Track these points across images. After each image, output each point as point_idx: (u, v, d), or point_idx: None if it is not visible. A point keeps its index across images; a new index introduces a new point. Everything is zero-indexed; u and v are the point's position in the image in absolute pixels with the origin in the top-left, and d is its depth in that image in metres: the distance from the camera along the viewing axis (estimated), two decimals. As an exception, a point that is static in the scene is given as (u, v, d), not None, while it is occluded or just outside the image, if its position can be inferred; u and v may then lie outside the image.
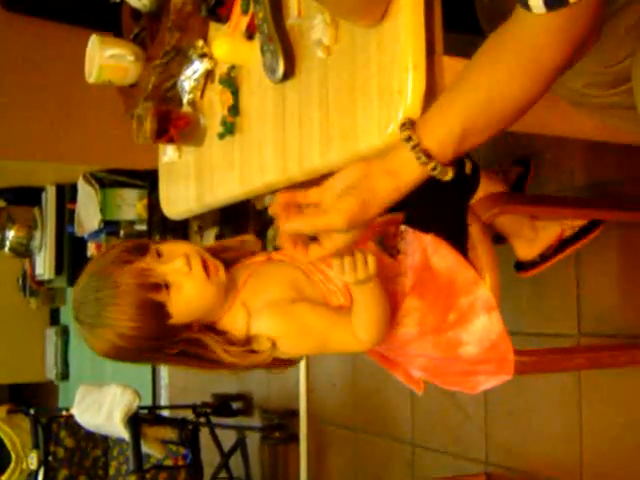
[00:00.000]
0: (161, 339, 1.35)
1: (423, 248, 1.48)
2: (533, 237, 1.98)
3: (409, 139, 1.06)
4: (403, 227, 1.52)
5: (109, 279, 1.31)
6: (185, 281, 1.33)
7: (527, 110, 1.07)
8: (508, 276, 1.51)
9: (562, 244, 1.97)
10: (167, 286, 1.32)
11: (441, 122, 1.07)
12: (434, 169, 1.07)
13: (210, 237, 3.61)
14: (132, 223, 3.85)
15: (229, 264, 1.46)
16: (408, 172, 1.09)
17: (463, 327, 1.44)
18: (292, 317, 1.39)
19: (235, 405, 4.06)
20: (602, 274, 2.12)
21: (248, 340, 1.38)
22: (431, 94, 1.22)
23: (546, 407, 2.30)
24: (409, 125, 1.08)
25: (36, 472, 3.47)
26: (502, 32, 1.04)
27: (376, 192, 1.10)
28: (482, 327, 1.43)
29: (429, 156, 1.06)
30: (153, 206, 3.66)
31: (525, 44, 1.01)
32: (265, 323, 1.38)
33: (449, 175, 1.09)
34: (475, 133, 1.07)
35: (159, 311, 1.32)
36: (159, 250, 1.35)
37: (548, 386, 2.28)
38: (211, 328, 1.40)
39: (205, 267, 1.35)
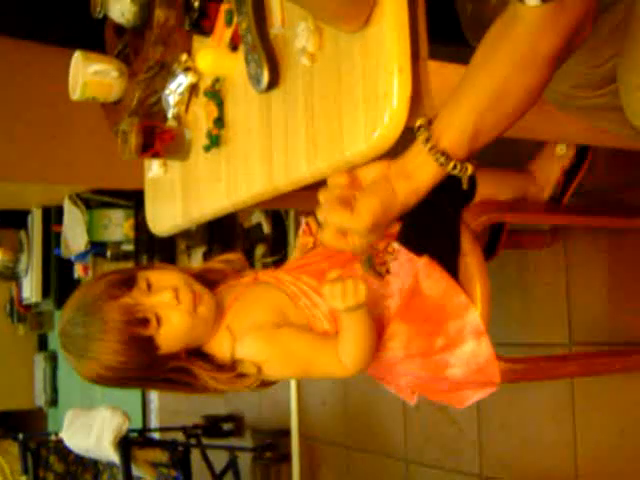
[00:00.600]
0: (148, 369, 1.35)
1: (415, 272, 1.45)
2: (540, 186, 1.97)
3: (427, 140, 1.07)
4: (396, 245, 1.50)
5: (96, 315, 1.30)
6: (174, 314, 1.33)
7: (533, 102, 1.07)
8: (497, 285, 1.49)
9: (569, 173, 1.97)
10: (155, 320, 1.32)
11: (452, 123, 1.07)
12: (454, 168, 1.08)
13: (198, 256, 3.60)
14: (119, 243, 3.83)
15: (214, 285, 1.46)
16: (426, 174, 1.09)
17: (451, 351, 1.42)
18: (276, 342, 1.38)
19: (226, 426, 4.04)
20: (592, 281, 2.11)
21: (233, 364, 1.38)
22: (417, 98, 1.22)
23: (539, 418, 2.28)
24: (426, 126, 1.08)
25: (26, 498, 3.44)
26: (497, 30, 1.05)
27: (396, 195, 1.10)
28: (470, 352, 1.41)
29: (447, 156, 1.07)
30: (140, 226, 3.64)
31: (521, 38, 1.01)
32: (249, 347, 1.37)
33: (470, 171, 1.09)
34: (486, 130, 1.07)
35: (147, 345, 1.31)
36: (148, 280, 1.34)
37: (541, 396, 2.26)
38: (197, 353, 1.39)
39: (193, 298, 1.34)
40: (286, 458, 3.61)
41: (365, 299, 1.26)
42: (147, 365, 1.34)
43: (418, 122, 1.10)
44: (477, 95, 1.06)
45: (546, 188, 1.98)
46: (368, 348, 1.36)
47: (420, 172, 1.09)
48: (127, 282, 1.33)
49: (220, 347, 1.39)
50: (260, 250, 3.41)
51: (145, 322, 1.31)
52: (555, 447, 2.22)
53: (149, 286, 1.34)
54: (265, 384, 1.44)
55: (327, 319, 1.41)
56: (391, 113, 1.18)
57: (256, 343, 1.37)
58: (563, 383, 2.16)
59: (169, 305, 1.32)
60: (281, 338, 1.38)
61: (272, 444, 3.68)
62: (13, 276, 4.67)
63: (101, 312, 1.30)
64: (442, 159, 1.07)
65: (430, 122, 1.09)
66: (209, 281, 1.44)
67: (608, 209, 2.01)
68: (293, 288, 1.44)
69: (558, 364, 1.69)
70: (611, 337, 2.07)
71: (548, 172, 1.97)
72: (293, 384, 3.50)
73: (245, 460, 3.76)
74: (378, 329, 1.41)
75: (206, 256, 3.54)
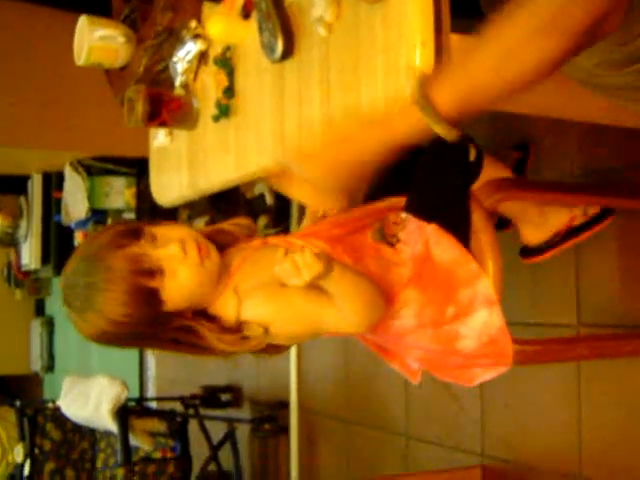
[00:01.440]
0: (153, 326, 1.31)
1: (425, 239, 1.44)
2: (541, 222, 1.94)
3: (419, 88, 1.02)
4: (404, 215, 1.47)
5: (101, 263, 1.26)
6: (180, 267, 1.29)
7: (539, 77, 1.02)
8: (506, 265, 1.47)
9: (570, 232, 1.93)
10: (161, 272, 1.28)
11: (449, 74, 1.03)
12: (429, 114, 1.02)
13: (200, 226, 3.57)
14: (120, 211, 3.81)
15: (223, 248, 1.41)
16: (404, 122, 1.04)
17: (462, 321, 1.41)
18: (280, 298, 1.35)
19: (224, 397, 4.03)
20: (602, 263, 2.09)
21: (239, 326, 1.34)
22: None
23: (544, 398, 2.26)
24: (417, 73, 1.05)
25: (22, 465, 3.43)
26: None
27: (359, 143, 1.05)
28: (482, 322, 1.40)
29: (429, 102, 1.01)
30: (142, 194, 3.62)
31: (545, 3, 0.96)
32: (254, 307, 1.34)
33: (453, 135, 1.04)
34: (481, 91, 1.02)
35: (152, 298, 1.27)
36: (153, 233, 1.30)
37: (546, 377, 2.24)
38: (203, 314, 1.36)
39: (199, 251, 1.30)
40: (284, 431, 3.60)
41: (324, 262, 1.20)
42: (151, 320, 1.30)
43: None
44: (483, 51, 1.00)
45: None
46: (368, 300, 1.32)
47: (399, 119, 1.04)
48: (134, 233, 1.30)
49: (226, 309, 1.35)
50: (263, 221, 3.38)
51: (151, 273, 1.27)
52: (559, 429, 2.21)
53: (155, 239, 1.30)
54: (273, 350, 1.41)
55: None
56: (413, 87, 1.14)
57: (261, 301, 1.34)
58: (569, 364, 2.14)
59: (176, 257, 1.28)
60: (286, 295, 1.34)
61: (271, 416, 3.67)
62: (12, 242, 4.66)
63: (106, 260, 1.26)
64: (422, 102, 1.01)
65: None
66: (218, 243, 1.40)
67: (618, 189, 1.98)
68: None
69: (569, 347, 1.67)
70: (619, 320, 2.05)
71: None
72: (293, 356, 3.48)
73: (243, 431, 3.75)
74: (390, 297, 1.38)
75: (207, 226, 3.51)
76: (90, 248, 1.31)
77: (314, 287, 1.36)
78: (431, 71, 1.15)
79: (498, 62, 1.00)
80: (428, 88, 1.01)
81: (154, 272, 1.27)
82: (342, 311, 1.32)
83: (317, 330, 1.40)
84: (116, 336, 1.31)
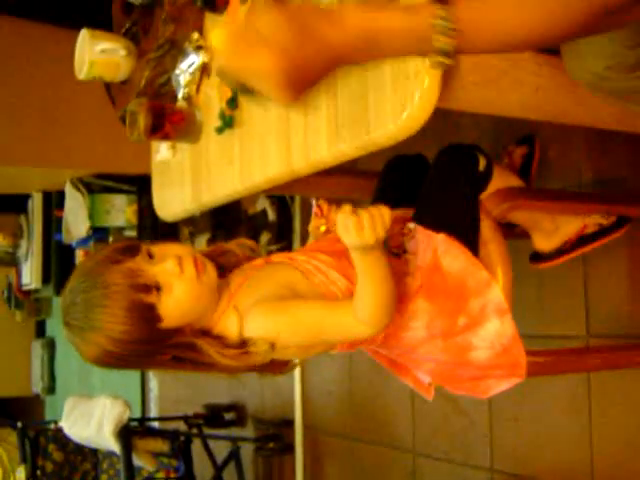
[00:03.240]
0: (152, 343, 1.30)
1: (434, 248, 1.42)
2: (553, 229, 1.92)
3: None
4: (412, 225, 1.46)
5: (98, 279, 1.26)
6: (176, 283, 1.28)
7: (546, 39, 1.00)
8: (513, 277, 1.46)
9: (582, 240, 1.91)
10: (157, 288, 1.27)
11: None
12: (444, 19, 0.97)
13: (202, 243, 3.56)
14: (121, 229, 3.80)
15: (225, 268, 1.41)
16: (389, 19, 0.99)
17: (474, 331, 1.40)
18: (281, 310, 1.33)
19: (228, 416, 4.00)
20: (611, 273, 2.07)
21: (243, 343, 1.32)
22: (447, 78, 1.16)
23: (554, 411, 2.24)
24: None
25: (24, 487, 3.40)
26: None
27: (317, 39, 1.00)
28: (494, 331, 1.38)
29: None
30: (143, 211, 3.61)
31: None
32: (255, 322, 1.32)
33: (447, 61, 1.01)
34: (485, 28, 0.98)
35: (149, 313, 1.26)
36: (150, 251, 1.30)
37: (555, 390, 2.22)
38: (205, 334, 1.34)
39: (196, 267, 1.29)
40: (289, 449, 3.57)
41: (384, 235, 1.18)
42: (150, 338, 1.28)
43: None
44: None
45: None
46: (387, 301, 1.27)
47: (384, 16, 0.99)
48: (130, 249, 1.29)
49: (228, 327, 1.34)
50: (265, 237, 3.36)
51: (147, 288, 1.26)
52: (570, 442, 2.18)
53: (152, 256, 1.30)
54: (277, 369, 1.40)
55: (345, 295, 1.35)
56: (422, 93, 1.13)
57: (262, 315, 1.32)
58: (578, 376, 2.12)
59: (172, 273, 1.27)
60: (286, 306, 1.33)
61: (275, 434, 3.64)
62: (13, 261, 4.64)
63: (103, 276, 1.25)
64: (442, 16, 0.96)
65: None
66: (220, 264, 1.39)
67: (628, 198, 1.97)
68: (307, 266, 1.39)
69: (579, 357, 1.66)
70: (629, 330, 2.03)
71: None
72: (297, 373, 3.45)
73: (247, 450, 3.72)
74: (399, 307, 1.36)
75: (210, 243, 3.50)
76: (88, 266, 1.31)
77: (319, 295, 1.35)
78: (441, 75, 1.13)
79: (511, 4, 0.97)
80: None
81: (150, 287, 1.26)
82: (360, 302, 1.27)
83: (322, 337, 1.37)
84: (117, 356, 1.29)
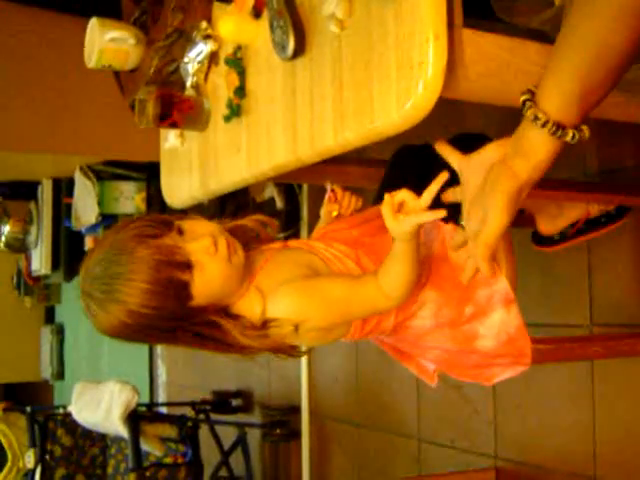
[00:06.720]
0: (177, 320, 1.28)
1: (442, 238, 1.44)
2: (557, 214, 1.93)
3: (537, 118, 1.03)
4: None
5: (131, 254, 1.22)
6: (209, 262, 1.27)
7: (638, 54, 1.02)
8: (517, 265, 1.47)
9: (585, 227, 1.92)
10: (191, 266, 1.25)
11: (558, 90, 1.03)
12: (573, 137, 1.04)
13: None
14: (130, 216, 3.80)
15: (244, 246, 1.39)
16: (545, 149, 1.06)
17: (480, 320, 1.41)
18: (308, 289, 1.33)
19: (235, 402, 4.02)
20: (614, 262, 2.08)
21: (264, 324, 1.32)
22: (450, 68, 1.17)
23: (557, 399, 2.25)
24: (531, 98, 1.05)
25: (33, 471, 3.44)
26: None
27: (518, 177, 1.08)
28: (500, 321, 1.40)
29: (563, 127, 1.03)
30: (152, 199, 3.62)
31: None
32: (281, 303, 1.32)
33: (587, 134, 1.05)
34: (594, 89, 1.02)
35: (182, 291, 1.25)
36: (181, 227, 1.28)
37: (559, 378, 2.23)
38: (227, 313, 1.34)
39: (228, 248, 1.29)
40: (296, 435, 3.59)
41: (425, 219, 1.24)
42: (176, 315, 1.27)
43: (522, 97, 1.06)
44: (578, 54, 1.00)
45: None
46: (412, 280, 1.32)
47: (538, 149, 1.06)
48: (164, 224, 1.27)
49: (250, 307, 1.33)
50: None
51: (183, 266, 1.24)
52: (573, 430, 2.19)
53: (183, 233, 1.27)
54: (294, 350, 1.39)
55: None
56: (425, 82, 1.14)
57: (288, 296, 1.32)
58: (582, 364, 2.13)
59: (207, 252, 1.26)
60: (313, 285, 1.34)
61: (282, 421, 3.66)
62: (22, 248, 4.66)
63: (136, 251, 1.22)
64: (559, 132, 1.03)
65: (533, 94, 1.05)
66: (240, 240, 1.38)
67: (633, 188, 1.97)
68: (326, 254, 1.40)
69: (583, 345, 1.67)
70: (632, 319, 2.04)
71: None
72: (304, 360, 3.47)
73: (254, 436, 3.74)
74: (409, 297, 1.37)
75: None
76: (118, 238, 1.27)
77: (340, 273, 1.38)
78: (444, 65, 1.14)
79: (597, 58, 1.00)
80: (548, 113, 1.03)
81: (186, 265, 1.25)
82: (389, 277, 1.30)
83: (349, 312, 1.38)
84: (135, 329, 1.27)
